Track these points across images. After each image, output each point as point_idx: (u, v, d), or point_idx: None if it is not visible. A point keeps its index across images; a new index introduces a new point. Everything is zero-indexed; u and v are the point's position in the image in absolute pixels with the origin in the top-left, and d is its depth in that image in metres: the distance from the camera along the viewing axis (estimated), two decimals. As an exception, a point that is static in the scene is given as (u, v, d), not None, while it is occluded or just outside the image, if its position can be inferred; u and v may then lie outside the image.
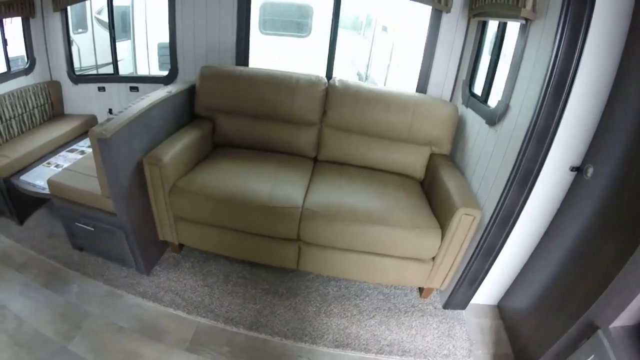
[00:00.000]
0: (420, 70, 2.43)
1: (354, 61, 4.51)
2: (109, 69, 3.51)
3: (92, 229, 1.94)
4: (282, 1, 3.89)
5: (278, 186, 1.92)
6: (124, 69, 4.00)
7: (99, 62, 3.69)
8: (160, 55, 3.88)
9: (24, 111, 2.61)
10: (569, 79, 1.38)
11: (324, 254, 1.90)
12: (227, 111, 2.33)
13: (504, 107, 1.71)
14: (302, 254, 1.91)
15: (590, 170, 1.49)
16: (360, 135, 2.28)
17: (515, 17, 1.59)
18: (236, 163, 2.11)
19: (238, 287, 2.01)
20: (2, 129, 2.46)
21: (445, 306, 2.07)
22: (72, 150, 2.56)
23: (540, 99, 1.42)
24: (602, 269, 1.35)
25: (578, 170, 1.59)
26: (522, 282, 1.94)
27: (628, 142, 1.33)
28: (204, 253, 2.20)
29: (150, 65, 3.96)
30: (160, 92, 2.05)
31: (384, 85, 4.18)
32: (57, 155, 2.50)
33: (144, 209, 1.93)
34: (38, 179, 2.24)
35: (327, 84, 2.27)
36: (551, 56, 1.36)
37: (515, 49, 1.66)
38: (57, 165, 2.37)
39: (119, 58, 3.44)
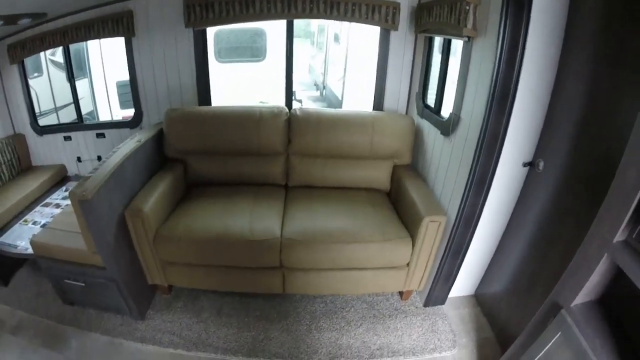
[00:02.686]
0: (375, 85, 2.67)
1: (311, 70, 4.73)
2: (69, 111, 3.60)
3: (83, 284, 2.08)
4: (235, 28, 4.05)
5: (255, 219, 2.11)
6: (85, 108, 4.07)
7: (58, 105, 3.77)
8: (120, 94, 3.97)
9: (-9, 170, 2.70)
10: (512, 86, 1.57)
11: (307, 275, 2.12)
12: (197, 151, 2.50)
13: (456, 118, 1.95)
14: (287, 279, 2.12)
15: (541, 164, 1.71)
16: (325, 158, 2.50)
17: (458, 35, 1.81)
18: (213, 202, 2.29)
19: (231, 318, 2.20)
20: (-28, 192, 2.56)
21: (426, 304, 2.33)
22: (46, 205, 2.68)
23: (488, 109, 1.62)
24: (560, 252, 1.59)
25: (530, 165, 1.82)
26: (494, 269, 2.21)
27: (571, 135, 1.55)
28: (194, 290, 2.37)
29: (111, 103, 4.04)
30: (130, 143, 2.20)
31: (342, 94, 4.41)
32: (32, 212, 2.60)
33: (131, 258, 2.09)
34: (18, 239, 2.36)
35: (288, 114, 2.47)
36: (494, 69, 1.55)
37: (461, 64, 1.88)
38: (34, 222, 2.49)
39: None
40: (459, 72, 1.91)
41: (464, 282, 2.34)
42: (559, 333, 1.22)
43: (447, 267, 2.14)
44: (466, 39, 1.79)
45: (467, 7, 1.67)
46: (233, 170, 2.51)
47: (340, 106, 4.56)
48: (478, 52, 1.74)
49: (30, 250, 2.19)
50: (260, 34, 4.11)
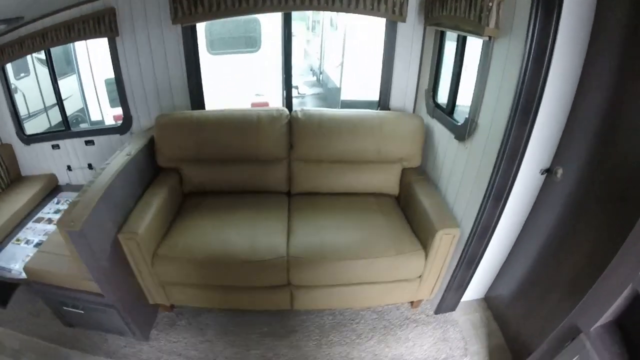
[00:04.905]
0: (381, 82, 2.39)
1: (306, 54, 4.37)
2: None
3: (82, 312, 1.91)
4: (227, 19, 3.67)
5: (258, 235, 1.92)
6: (75, 105, 3.78)
7: (48, 104, 3.48)
8: (109, 92, 3.65)
9: (-21, 185, 2.48)
10: (538, 93, 1.39)
11: (316, 292, 1.96)
12: (192, 159, 2.26)
13: (473, 124, 1.74)
14: (295, 296, 1.95)
15: (560, 172, 1.56)
16: (330, 163, 2.26)
17: (477, 33, 1.57)
18: (211, 215, 2.08)
19: (237, 336, 2.05)
20: (-40, 209, 2.34)
21: (437, 312, 2.18)
22: (38, 220, 2.46)
23: (511, 116, 1.44)
24: (579, 264, 1.48)
25: (548, 172, 1.65)
26: (505, 274, 2.06)
27: (593, 142, 1.40)
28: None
29: (101, 102, 3.73)
30: (120, 157, 1.96)
31: (340, 80, 4.09)
32: (24, 229, 2.39)
33: (130, 280, 1.90)
34: (11, 261, 2.17)
35: (289, 116, 2.22)
36: (520, 73, 1.36)
37: (480, 65, 1.65)
38: (27, 242, 2.29)
39: (66, 95, 3.25)
40: (477, 74, 1.68)
41: (475, 286, 2.18)
42: (577, 357, 1.15)
43: (459, 276, 1.99)
44: (487, 38, 1.55)
45: (490, 4, 1.43)
46: (232, 178, 2.27)
47: (339, 93, 4.24)
48: (501, 53, 1.51)
49: (24, 275, 2.00)
50: (254, 23, 3.74)
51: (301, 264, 1.82)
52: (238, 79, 3.74)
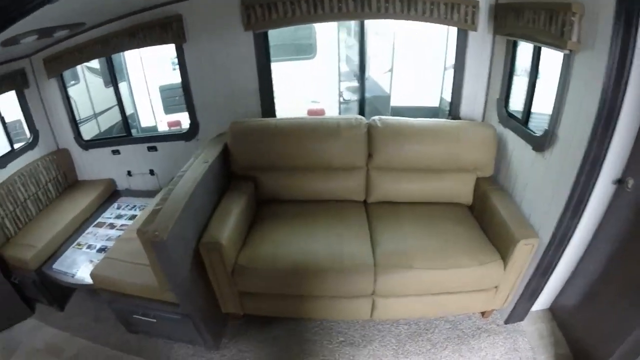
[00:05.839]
0: (452, 91, 2.19)
1: (349, 60, 4.05)
2: (110, 116, 3.11)
3: (154, 320, 1.68)
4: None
5: (342, 244, 1.70)
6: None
7: (97, 110, 3.24)
8: (164, 99, 3.40)
9: (37, 189, 2.24)
10: (619, 104, 1.28)
11: (397, 301, 1.74)
12: (267, 167, 2.03)
13: (553, 136, 1.57)
14: (376, 305, 1.73)
15: (631, 182, 1.42)
16: (407, 172, 2.03)
17: (558, 46, 1.42)
18: (290, 224, 1.86)
19: (314, 345, 1.82)
20: (19, 213, 2.11)
21: (507, 321, 1.97)
22: (99, 225, 2.22)
23: (594, 128, 1.32)
24: None
25: (619, 182, 1.50)
26: (573, 284, 1.87)
27: None
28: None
29: (155, 108, 3.47)
30: (196, 165, 1.75)
31: (390, 88, 3.85)
32: (85, 233, 2.16)
33: (205, 290, 1.68)
34: (73, 266, 1.94)
35: (367, 125, 1.99)
36: (604, 86, 1.25)
37: (560, 78, 1.49)
38: (89, 246, 2.05)
39: (115, 102, 3.02)
40: (557, 87, 1.52)
41: (542, 296, 1.97)
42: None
43: (533, 286, 1.79)
44: (567, 51, 1.40)
45: (573, 18, 1.31)
46: (308, 186, 2.04)
47: (388, 100, 4.01)
48: (582, 68, 1.38)
49: (88, 280, 1.78)
50: (309, 30, 3.44)
51: (389, 273, 1.62)
52: (293, 85, 3.47)
